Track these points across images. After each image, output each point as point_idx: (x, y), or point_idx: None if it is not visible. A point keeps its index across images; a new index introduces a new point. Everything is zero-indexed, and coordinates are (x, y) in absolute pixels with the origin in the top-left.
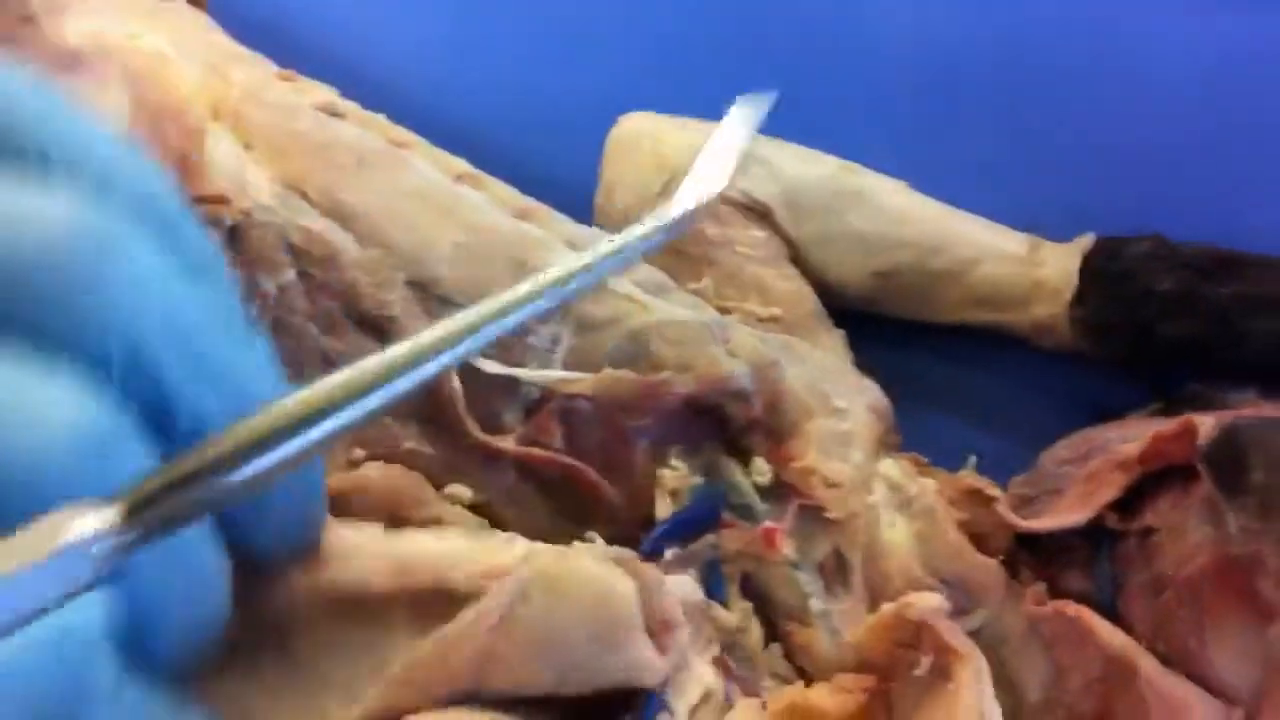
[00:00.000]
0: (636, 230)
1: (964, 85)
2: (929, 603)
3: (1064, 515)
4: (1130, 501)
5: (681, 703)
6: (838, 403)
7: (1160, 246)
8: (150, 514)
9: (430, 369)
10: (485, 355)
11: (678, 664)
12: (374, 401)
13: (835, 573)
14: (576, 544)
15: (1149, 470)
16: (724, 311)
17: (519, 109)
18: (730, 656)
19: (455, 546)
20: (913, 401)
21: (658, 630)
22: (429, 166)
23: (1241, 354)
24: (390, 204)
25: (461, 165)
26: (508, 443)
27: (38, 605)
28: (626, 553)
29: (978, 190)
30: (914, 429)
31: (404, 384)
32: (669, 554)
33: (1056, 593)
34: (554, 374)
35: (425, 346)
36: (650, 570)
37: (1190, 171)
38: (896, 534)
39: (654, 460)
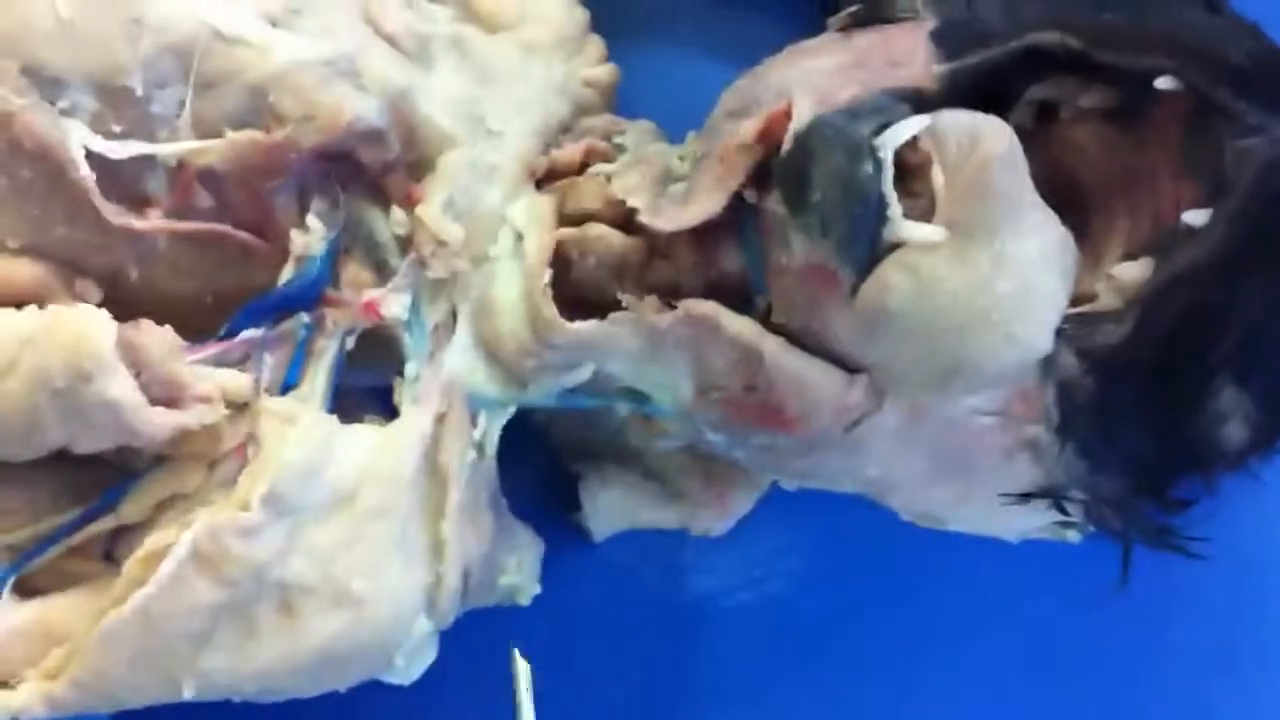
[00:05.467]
0: None
1: None
2: None
3: (701, 204)
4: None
5: None
6: (492, 125)
7: None
8: None
9: None
10: (111, 134)
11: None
12: None
13: (448, 331)
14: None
15: (770, 147)
16: None
17: None
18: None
19: None
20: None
21: (163, 395)
22: None
23: None
24: None
25: None
26: (153, 217)
27: None
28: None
29: None
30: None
31: None
32: (247, 334)
33: (711, 271)
34: (179, 146)
35: None
36: (159, 341)
37: None
38: (510, 292)
39: (299, 213)
